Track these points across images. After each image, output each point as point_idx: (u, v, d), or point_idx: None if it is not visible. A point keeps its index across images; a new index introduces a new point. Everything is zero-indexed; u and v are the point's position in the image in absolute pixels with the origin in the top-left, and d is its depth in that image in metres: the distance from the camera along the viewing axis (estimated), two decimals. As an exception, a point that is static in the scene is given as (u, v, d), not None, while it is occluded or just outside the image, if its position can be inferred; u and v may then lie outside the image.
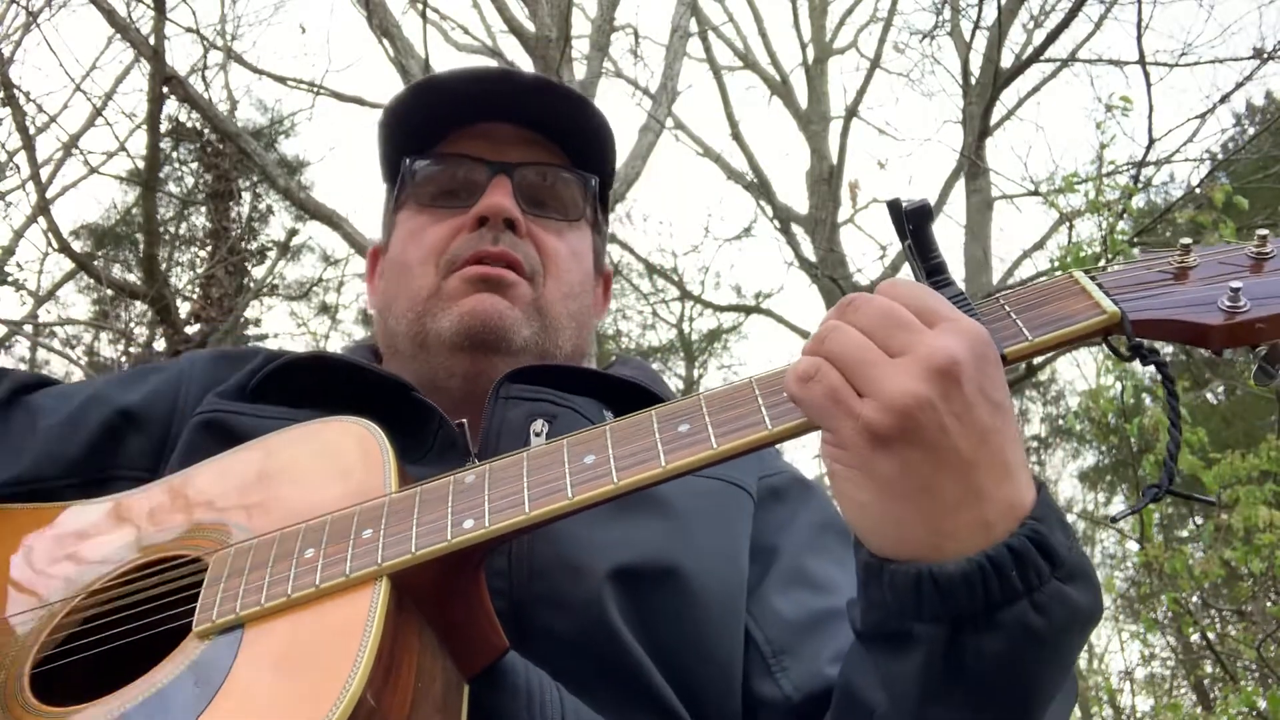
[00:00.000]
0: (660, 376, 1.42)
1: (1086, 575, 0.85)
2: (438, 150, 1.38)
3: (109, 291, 9.71)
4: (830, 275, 11.04)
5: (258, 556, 0.93)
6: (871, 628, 0.89)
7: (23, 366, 10.62)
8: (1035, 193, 10.72)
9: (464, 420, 1.18)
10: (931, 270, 0.96)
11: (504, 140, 1.36)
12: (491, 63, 8.30)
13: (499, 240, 1.28)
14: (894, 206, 0.97)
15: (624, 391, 1.29)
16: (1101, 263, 6.06)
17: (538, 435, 1.15)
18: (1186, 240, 0.93)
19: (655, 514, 1.13)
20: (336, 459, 1.02)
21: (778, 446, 1.36)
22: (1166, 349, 0.98)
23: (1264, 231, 0.90)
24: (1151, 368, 0.91)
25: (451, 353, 1.26)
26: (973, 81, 10.00)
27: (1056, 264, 6.32)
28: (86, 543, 1.06)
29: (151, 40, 7.21)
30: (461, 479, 0.94)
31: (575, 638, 1.04)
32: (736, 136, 12.82)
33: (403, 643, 0.86)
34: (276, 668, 0.84)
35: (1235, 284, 0.87)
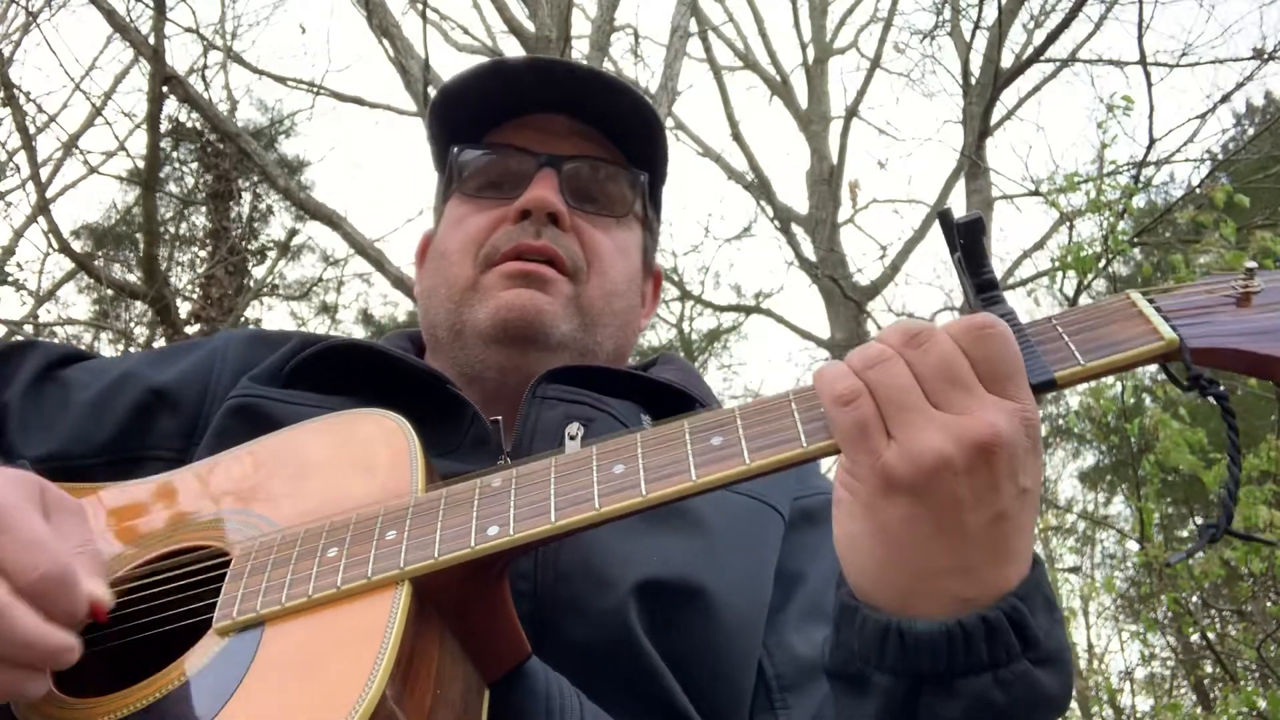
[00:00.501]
0: (701, 378, 1.40)
1: (1060, 662, 0.84)
2: (486, 140, 1.35)
3: (109, 291, 9.71)
4: (830, 275, 11.04)
5: (281, 553, 0.93)
6: (836, 666, 0.89)
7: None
8: (1035, 193, 10.73)
9: (499, 418, 1.16)
10: (981, 286, 0.92)
11: (555, 132, 1.33)
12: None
13: (541, 234, 1.26)
14: (944, 218, 0.94)
15: (664, 394, 1.27)
16: (1103, 263, 6.06)
17: (572, 439, 1.13)
18: (1251, 264, 0.89)
19: (685, 530, 1.11)
20: (364, 453, 1.01)
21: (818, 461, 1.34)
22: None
23: None
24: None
25: (486, 345, 1.25)
26: (973, 81, 9.99)
27: (1056, 264, 6.31)
28: (111, 530, 1.06)
29: (151, 40, 7.20)
30: (488, 483, 0.93)
31: (596, 646, 1.03)
32: (736, 136, 12.82)
33: (422, 648, 0.85)
34: (295, 669, 0.83)
35: None
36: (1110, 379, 6.29)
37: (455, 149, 1.37)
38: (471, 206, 1.33)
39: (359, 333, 14.99)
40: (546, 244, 1.26)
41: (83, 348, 1.42)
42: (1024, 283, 12.06)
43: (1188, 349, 0.85)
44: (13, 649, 0.79)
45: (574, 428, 1.14)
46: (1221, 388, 0.86)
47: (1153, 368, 0.89)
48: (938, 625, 0.81)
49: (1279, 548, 5.66)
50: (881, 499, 0.81)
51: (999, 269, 11.94)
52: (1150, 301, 0.89)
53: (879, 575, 0.84)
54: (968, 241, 0.92)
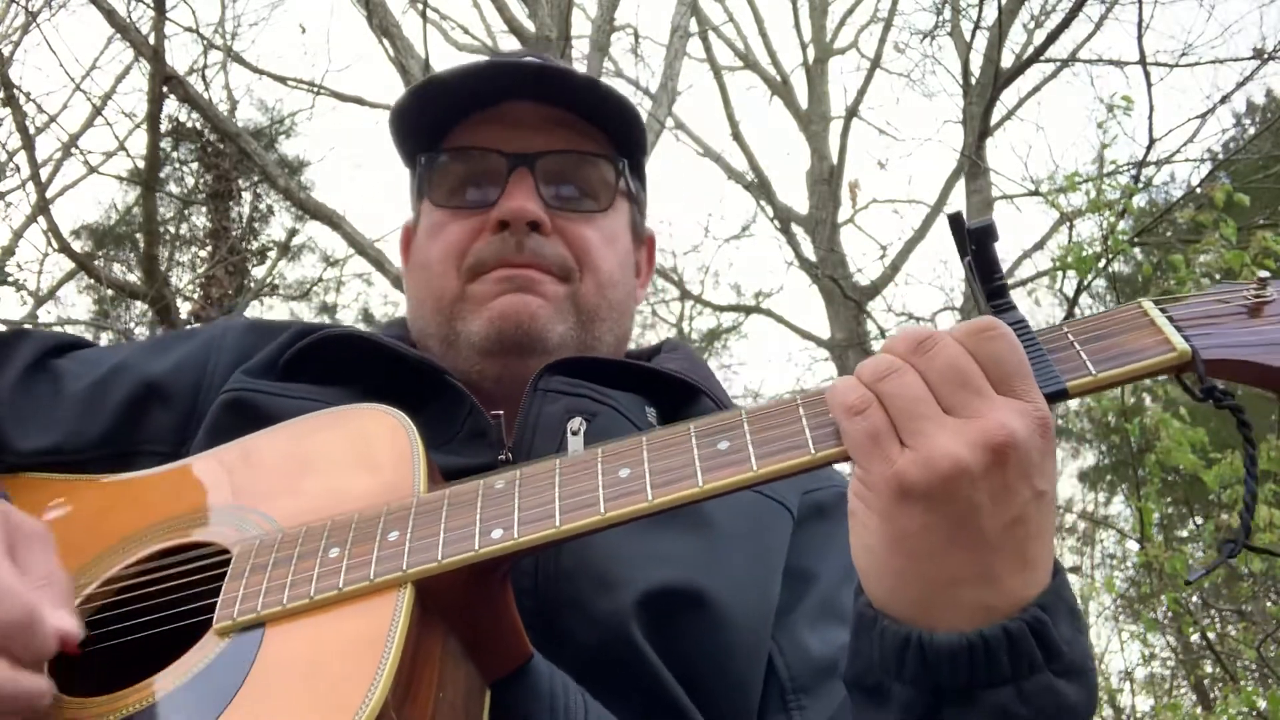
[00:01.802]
0: (708, 367, 1.37)
1: (1083, 673, 0.83)
2: (453, 143, 1.30)
3: (109, 291, 9.71)
4: (830, 275, 11.04)
5: (282, 552, 0.92)
6: (854, 676, 0.88)
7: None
8: (1035, 193, 10.72)
9: (500, 413, 1.13)
10: (993, 293, 0.91)
11: (523, 123, 1.28)
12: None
13: (524, 246, 1.23)
14: (956, 222, 0.92)
15: (669, 384, 1.25)
16: (1103, 263, 6.06)
17: (574, 434, 1.11)
18: (1264, 273, 0.89)
19: (690, 529, 1.10)
20: (365, 451, 1.00)
21: None
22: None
23: None
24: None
25: (482, 356, 1.22)
26: (973, 81, 9.99)
27: (1057, 264, 6.31)
28: (106, 524, 1.05)
29: (151, 40, 7.20)
30: (491, 483, 0.92)
31: (598, 648, 1.02)
32: (737, 136, 12.82)
33: (425, 652, 0.84)
34: (297, 673, 0.83)
35: None
36: (1111, 379, 6.27)
37: (421, 158, 1.32)
38: (447, 214, 1.29)
39: (359, 333, 14.92)
40: (530, 258, 1.23)
41: (79, 335, 1.40)
42: (1024, 283, 12.05)
43: (1201, 361, 0.83)
44: None
45: (576, 422, 1.11)
46: (1235, 399, 0.84)
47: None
48: (958, 637, 0.79)
49: None
50: (896, 508, 0.80)
51: (999, 269, 11.96)
52: (1163, 311, 0.88)
53: (896, 586, 0.83)
54: (979, 247, 0.91)
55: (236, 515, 0.99)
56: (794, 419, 0.88)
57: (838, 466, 1.13)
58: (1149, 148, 6.83)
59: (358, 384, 1.18)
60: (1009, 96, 10.73)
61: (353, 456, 1.00)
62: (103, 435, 1.19)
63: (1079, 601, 0.82)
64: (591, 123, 1.31)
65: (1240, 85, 9.19)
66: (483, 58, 1.43)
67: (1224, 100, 8.96)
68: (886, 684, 0.83)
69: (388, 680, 0.77)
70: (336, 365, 1.21)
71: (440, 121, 1.31)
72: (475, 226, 1.26)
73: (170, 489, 1.07)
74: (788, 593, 1.15)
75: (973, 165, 10.15)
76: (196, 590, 0.93)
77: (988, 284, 0.91)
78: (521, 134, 1.27)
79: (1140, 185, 6.89)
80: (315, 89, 9.41)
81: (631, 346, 1.43)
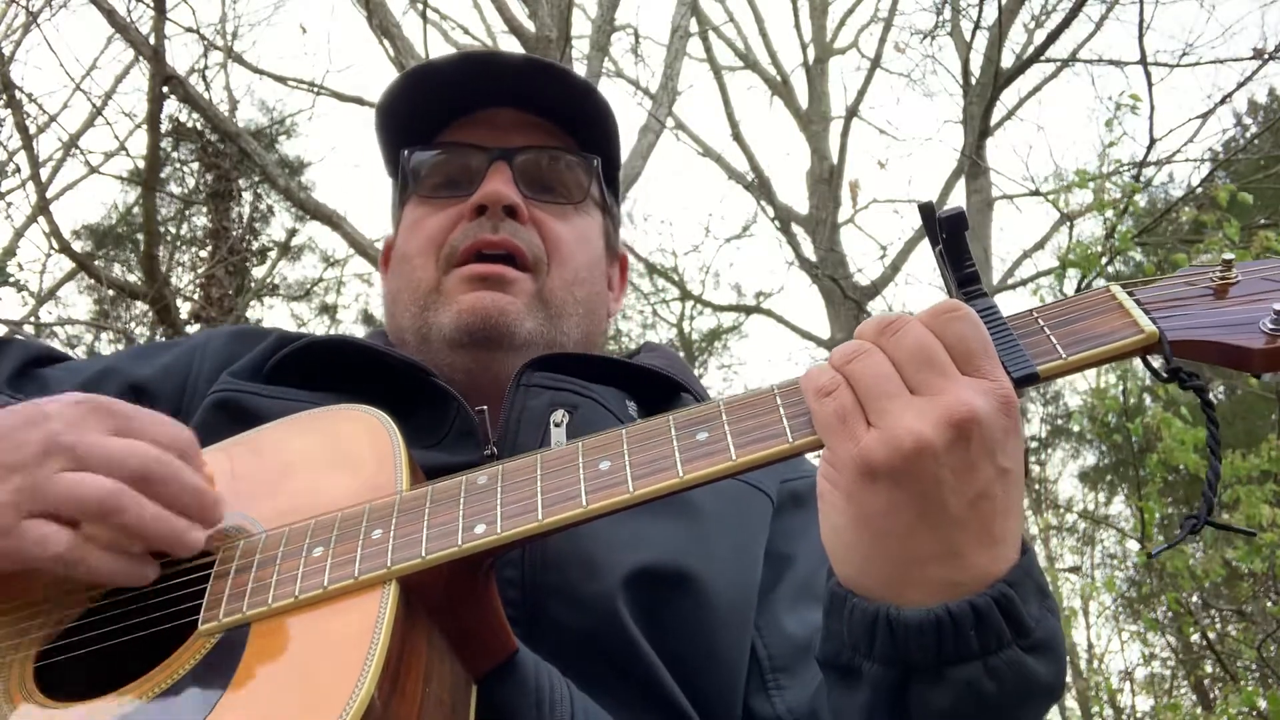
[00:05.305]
0: (687, 366, 1.40)
1: (1052, 649, 0.83)
2: (436, 140, 1.36)
3: (109, 291, 9.70)
4: (830, 275, 11.04)
5: (266, 553, 0.92)
6: (826, 656, 0.89)
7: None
8: (1036, 193, 10.72)
9: (484, 408, 1.16)
10: (963, 280, 0.92)
11: (504, 126, 1.34)
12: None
13: (499, 229, 1.27)
14: (927, 211, 0.94)
15: (649, 381, 1.28)
16: (1105, 261, 6.06)
17: (558, 425, 1.13)
18: (1228, 255, 0.90)
19: (674, 514, 1.11)
20: (347, 451, 1.01)
21: None
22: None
23: None
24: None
25: (452, 350, 1.25)
26: (973, 81, 9.99)
27: (1059, 263, 6.31)
28: None
29: (151, 40, 7.19)
30: (474, 480, 0.93)
31: (586, 634, 1.03)
32: (737, 136, 12.81)
33: (411, 647, 0.85)
34: (282, 672, 0.83)
35: (1279, 304, 0.83)
36: (1113, 378, 6.30)
37: (405, 152, 1.37)
38: (428, 208, 1.34)
39: (360, 333, 14.96)
40: (506, 238, 1.27)
41: (60, 349, 1.42)
42: (1024, 282, 12.06)
43: (1168, 341, 0.85)
44: (189, 498, 0.91)
45: (559, 415, 1.14)
46: (1200, 380, 0.85)
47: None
48: (926, 613, 0.80)
49: (1256, 536, 5.66)
50: (862, 487, 0.81)
51: (999, 269, 12.00)
52: (1130, 294, 0.89)
53: (865, 565, 0.84)
54: (950, 236, 0.92)
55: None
56: (771, 408, 0.89)
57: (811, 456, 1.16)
58: (1149, 148, 6.83)
59: (344, 389, 1.19)
60: (1009, 96, 10.75)
61: (334, 456, 1.01)
62: None
63: (1049, 582, 0.85)
64: (568, 129, 1.37)
65: (1240, 85, 9.15)
66: (475, 46, 1.48)
67: (1224, 100, 8.92)
68: (857, 662, 0.84)
69: (374, 675, 0.77)
70: (322, 371, 1.23)
71: (425, 123, 1.37)
72: (454, 216, 1.30)
73: None
74: (767, 575, 1.18)
75: (973, 165, 10.14)
76: (180, 593, 0.93)
77: (958, 271, 0.93)
78: (501, 133, 1.33)
79: (1141, 185, 6.89)
80: (315, 89, 9.40)
81: (629, 346, 1.45)
